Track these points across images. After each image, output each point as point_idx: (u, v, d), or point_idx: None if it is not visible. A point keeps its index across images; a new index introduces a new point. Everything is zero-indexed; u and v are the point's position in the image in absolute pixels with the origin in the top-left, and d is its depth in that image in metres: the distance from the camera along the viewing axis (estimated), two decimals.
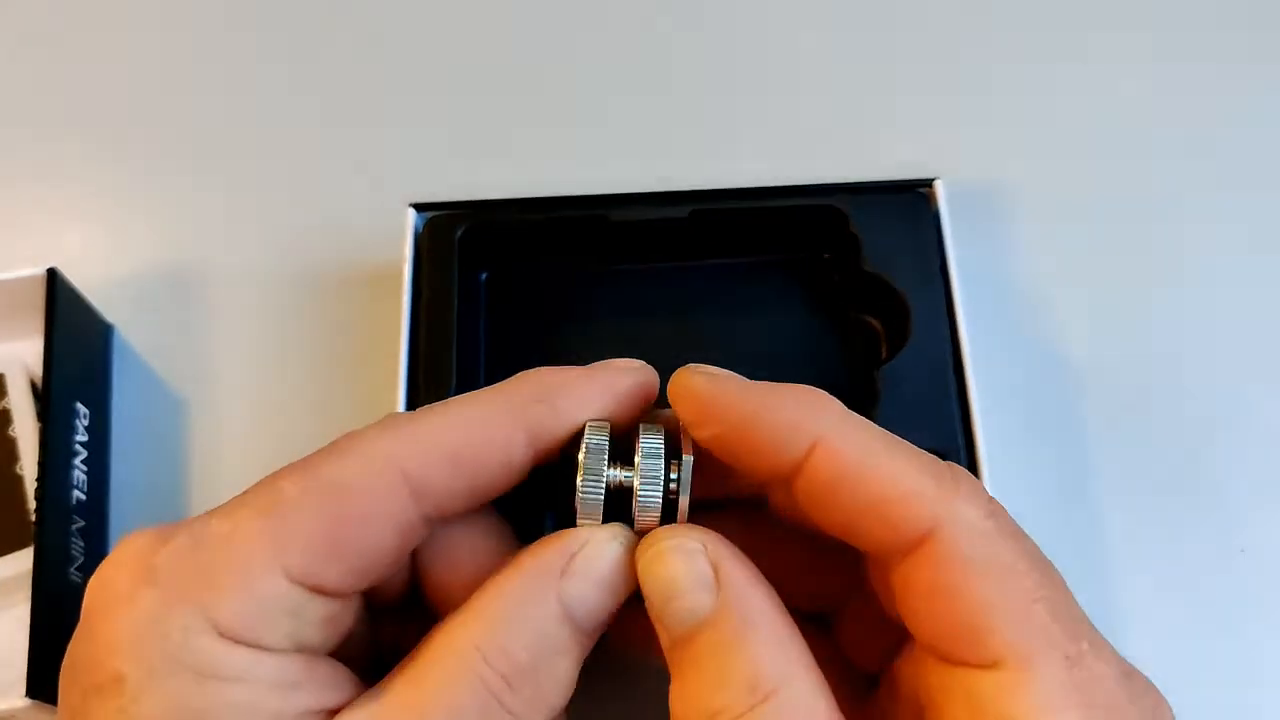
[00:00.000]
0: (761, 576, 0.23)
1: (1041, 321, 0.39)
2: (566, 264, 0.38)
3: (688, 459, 0.24)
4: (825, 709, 0.21)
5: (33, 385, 0.37)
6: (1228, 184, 0.41)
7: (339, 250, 0.40)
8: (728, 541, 0.23)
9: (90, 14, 0.45)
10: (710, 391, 0.23)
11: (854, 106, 0.43)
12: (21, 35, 0.45)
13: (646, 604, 0.23)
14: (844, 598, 0.27)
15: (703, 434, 0.23)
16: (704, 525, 0.24)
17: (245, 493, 0.22)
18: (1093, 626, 0.21)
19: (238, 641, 0.21)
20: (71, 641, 0.22)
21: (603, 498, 0.23)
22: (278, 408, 0.38)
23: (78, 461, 0.35)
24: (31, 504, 0.35)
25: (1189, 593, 0.35)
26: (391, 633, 0.26)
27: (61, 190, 0.43)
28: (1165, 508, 0.36)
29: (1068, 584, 0.22)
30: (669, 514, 0.24)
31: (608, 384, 0.25)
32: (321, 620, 0.22)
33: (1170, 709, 0.22)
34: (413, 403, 0.34)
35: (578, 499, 0.23)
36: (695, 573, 0.22)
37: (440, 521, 0.24)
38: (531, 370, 0.25)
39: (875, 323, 0.37)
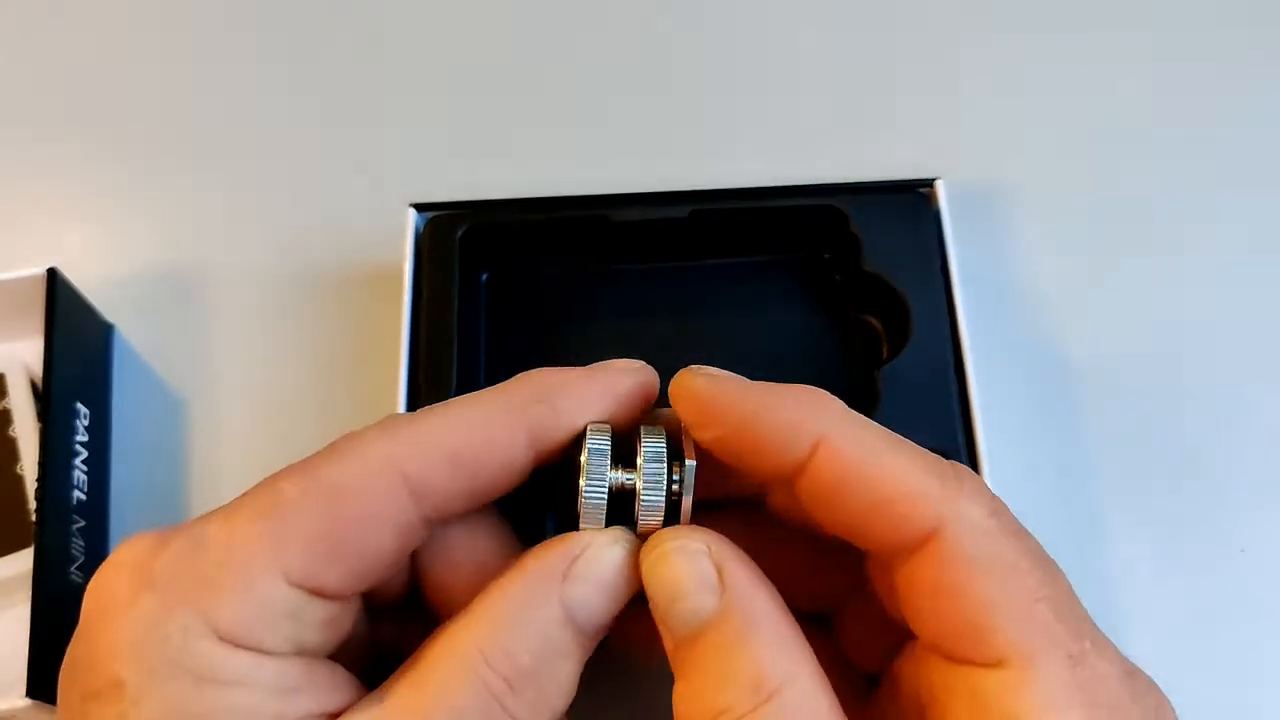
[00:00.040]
0: (764, 577, 0.23)
1: (1041, 321, 0.39)
2: (567, 264, 0.38)
3: (690, 462, 0.24)
4: (828, 708, 0.21)
5: (33, 385, 0.37)
6: (1228, 184, 0.41)
7: (339, 250, 0.40)
8: (731, 543, 0.23)
9: (90, 14, 0.45)
10: (712, 393, 0.23)
11: (854, 106, 0.43)
12: (21, 35, 0.45)
13: (651, 605, 0.23)
14: (844, 598, 0.27)
15: (705, 435, 0.23)
16: (704, 526, 0.24)
17: (244, 495, 0.22)
18: (1095, 626, 0.22)
19: (238, 645, 0.21)
20: (70, 646, 0.22)
21: (605, 501, 0.23)
22: (278, 408, 0.38)
23: (78, 461, 0.35)
24: (32, 504, 0.35)
25: (1189, 593, 0.35)
26: (391, 634, 0.26)
27: (61, 190, 0.43)
28: (1165, 508, 0.36)
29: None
30: (672, 515, 0.24)
31: (608, 385, 0.25)
32: (321, 622, 0.22)
33: (1172, 709, 0.22)
34: (413, 403, 0.34)
35: (581, 502, 0.23)
36: (699, 574, 0.22)
37: (440, 522, 0.24)
38: (532, 371, 0.25)
39: (875, 323, 0.37)
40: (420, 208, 0.37)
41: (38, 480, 0.33)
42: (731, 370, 0.24)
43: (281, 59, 0.45)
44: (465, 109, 0.43)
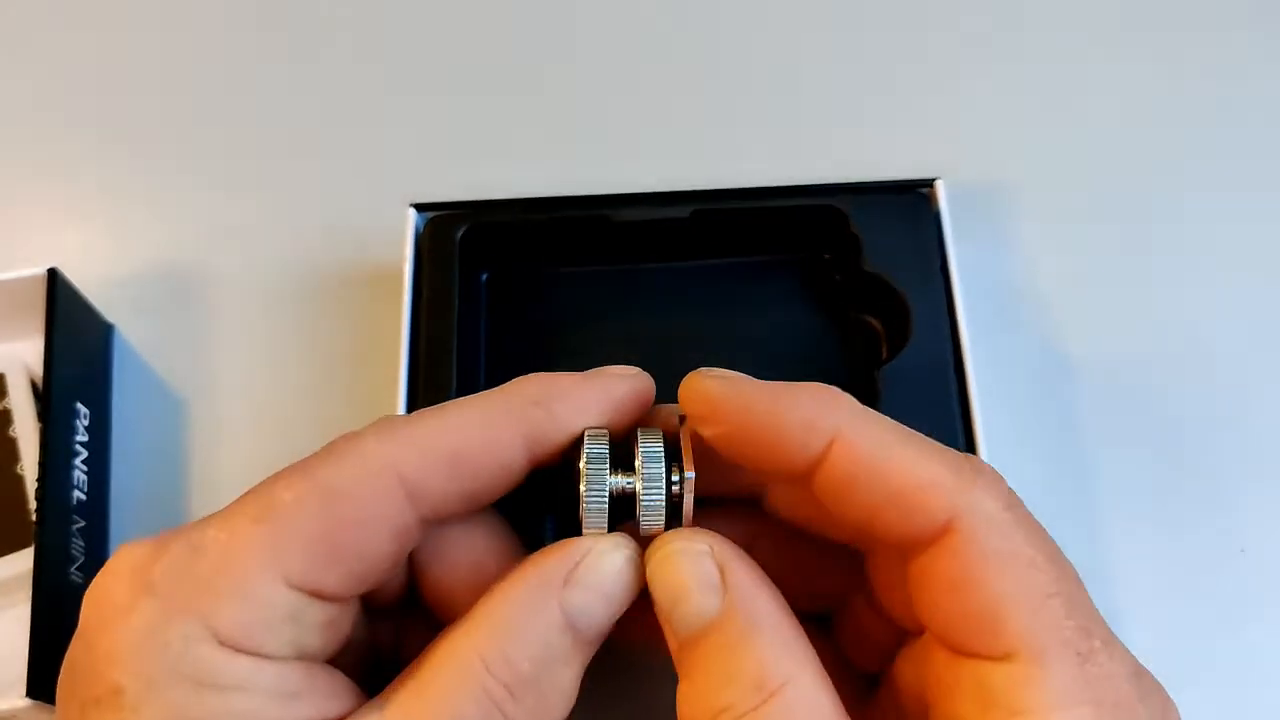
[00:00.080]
0: (766, 578, 0.23)
1: (1041, 321, 0.39)
2: (568, 264, 0.38)
3: (689, 474, 0.24)
4: (830, 706, 0.21)
5: (33, 385, 0.37)
6: (1228, 184, 0.41)
7: (339, 250, 0.40)
8: (733, 544, 0.23)
9: (90, 14, 0.45)
10: (725, 394, 0.23)
11: (854, 106, 0.43)
12: (22, 35, 0.45)
13: (655, 607, 0.23)
14: (844, 597, 0.27)
15: (718, 435, 0.23)
16: (702, 523, 0.24)
17: (241, 498, 0.22)
18: (1105, 624, 0.22)
19: (238, 650, 0.21)
20: (68, 653, 0.22)
21: (607, 505, 0.23)
22: (278, 408, 0.38)
23: (78, 461, 0.35)
24: (32, 504, 0.35)
25: (1189, 593, 0.35)
26: (389, 636, 0.26)
27: (61, 190, 0.43)
28: (1165, 507, 0.36)
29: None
30: (673, 517, 0.24)
31: (604, 390, 0.25)
32: (321, 625, 0.22)
33: (1177, 709, 0.22)
34: (413, 404, 0.34)
35: (582, 508, 0.23)
36: (702, 575, 0.22)
37: (437, 524, 0.24)
38: (529, 375, 0.25)
39: (875, 323, 0.37)
40: (420, 208, 0.37)
41: (38, 480, 0.33)
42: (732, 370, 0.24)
43: (281, 59, 0.45)
44: (465, 109, 0.43)
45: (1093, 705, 0.20)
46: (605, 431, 0.24)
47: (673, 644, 0.23)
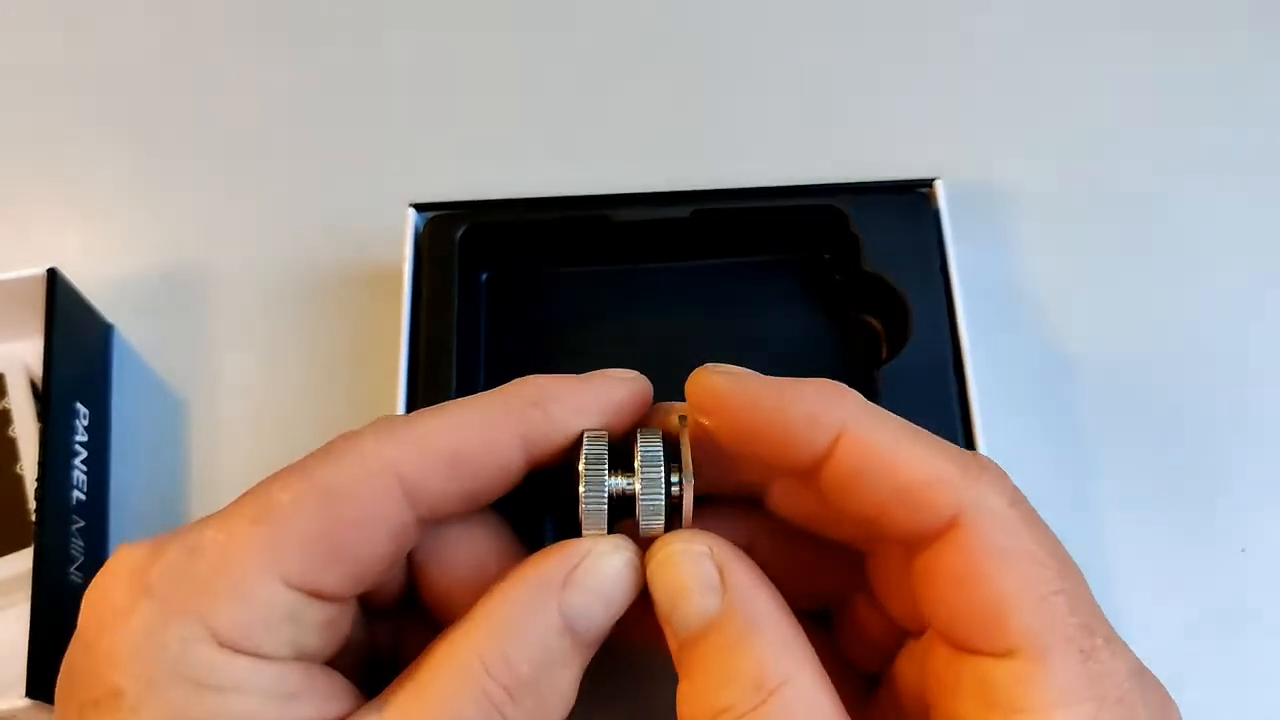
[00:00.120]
0: (766, 578, 0.23)
1: (1041, 321, 0.39)
2: (568, 264, 0.38)
3: (688, 463, 0.24)
4: (829, 705, 0.21)
5: (33, 385, 0.37)
6: (1228, 184, 0.41)
7: (339, 250, 0.40)
8: (732, 545, 0.23)
9: (90, 14, 0.45)
10: (731, 389, 0.23)
11: (854, 106, 0.43)
12: (22, 35, 0.45)
13: (655, 608, 0.23)
14: (844, 597, 0.27)
15: (725, 430, 0.24)
16: (702, 523, 0.24)
17: (239, 500, 0.22)
18: (1108, 623, 0.22)
19: (238, 650, 0.21)
20: (66, 656, 0.22)
21: (606, 506, 0.23)
22: (278, 408, 0.38)
23: (78, 461, 0.35)
24: (31, 504, 0.35)
25: (1189, 592, 0.35)
26: (388, 636, 0.26)
27: (61, 190, 0.43)
28: (1165, 507, 0.36)
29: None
30: (672, 518, 0.24)
31: (602, 392, 0.25)
32: (320, 625, 0.22)
33: (1177, 708, 0.22)
34: (412, 403, 0.34)
35: (581, 510, 0.23)
36: (701, 576, 0.22)
37: (435, 523, 0.24)
38: (527, 377, 0.25)
39: (875, 323, 0.37)
40: (420, 208, 0.37)
41: (37, 480, 0.33)
42: None
43: (281, 59, 0.45)
44: (465, 109, 0.43)
45: (1095, 703, 0.20)
46: (604, 433, 0.24)
47: (673, 645, 0.23)
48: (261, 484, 0.22)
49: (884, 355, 0.36)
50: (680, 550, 0.23)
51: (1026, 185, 0.41)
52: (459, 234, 0.36)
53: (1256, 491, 0.36)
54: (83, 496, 0.35)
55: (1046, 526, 0.22)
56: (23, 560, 0.34)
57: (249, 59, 0.45)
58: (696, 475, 0.24)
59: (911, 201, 0.37)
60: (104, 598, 0.21)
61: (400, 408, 0.34)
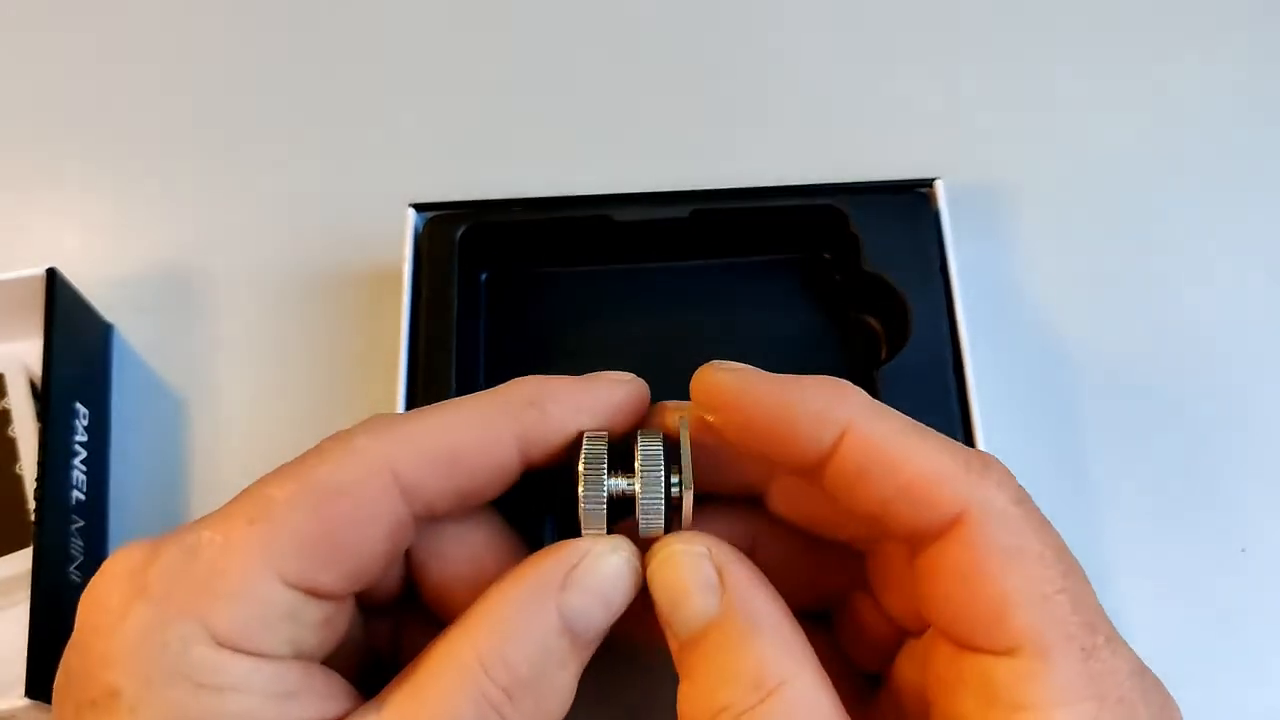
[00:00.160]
0: (765, 579, 0.23)
1: (1041, 321, 0.39)
2: (567, 264, 0.38)
3: (688, 464, 0.24)
4: (828, 705, 0.21)
5: (32, 385, 0.37)
6: (1228, 184, 0.41)
7: (339, 250, 0.40)
8: (731, 546, 0.23)
9: (90, 14, 0.45)
10: (737, 386, 0.23)
11: (854, 106, 0.43)
12: (21, 35, 0.45)
13: (655, 609, 0.23)
14: (843, 596, 0.27)
15: (730, 427, 0.24)
16: (703, 522, 0.24)
17: (235, 500, 0.22)
18: (1109, 621, 0.22)
19: (236, 650, 0.21)
20: (64, 657, 0.22)
21: (605, 507, 0.23)
22: (277, 408, 0.38)
23: (77, 461, 0.35)
24: (31, 504, 0.35)
25: (1189, 592, 0.35)
26: (386, 634, 0.26)
27: (61, 190, 0.43)
28: (1165, 507, 0.36)
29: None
30: (672, 518, 0.24)
31: (599, 394, 0.25)
32: (317, 623, 0.22)
33: (1178, 708, 0.22)
34: (412, 403, 0.34)
35: (581, 510, 0.23)
36: (701, 576, 0.23)
37: (432, 521, 0.24)
38: (524, 377, 0.25)
39: (875, 323, 0.37)
40: (420, 208, 0.37)
41: (37, 480, 0.33)
42: None
43: (281, 59, 0.45)
44: (465, 109, 0.43)
45: (1096, 701, 0.20)
46: (604, 433, 0.24)
47: (673, 645, 0.23)
48: (257, 483, 0.22)
49: (884, 355, 0.36)
50: (680, 551, 0.23)
51: (1026, 185, 0.41)
52: (459, 234, 0.36)
53: (1256, 491, 0.36)
54: (82, 496, 0.35)
55: (1050, 525, 0.22)
56: (22, 560, 0.34)
57: (249, 59, 0.45)
58: (697, 475, 0.24)
59: (911, 201, 0.37)
60: (101, 599, 0.21)
61: (400, 407, 0.34)
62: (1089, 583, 0.22)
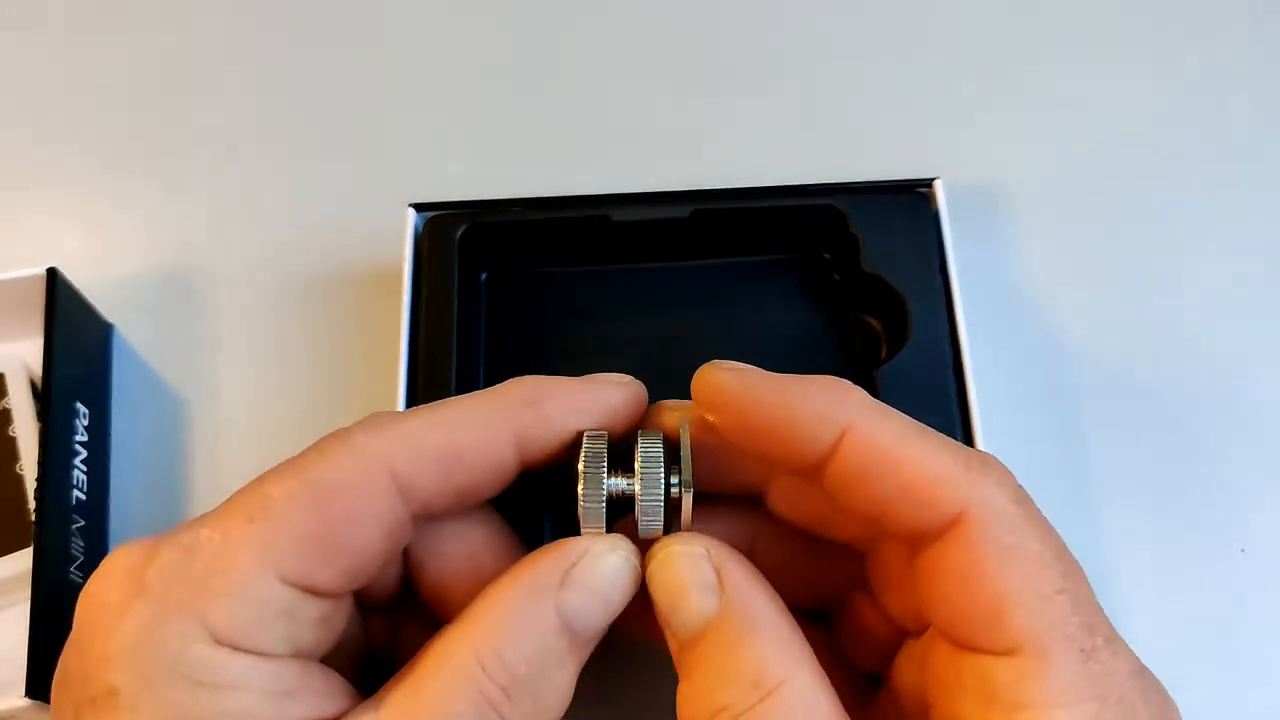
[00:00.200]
0: (763, 579, 0.23)
1: (1041, 321, 0.39)
2: (567, 264, 0.38)
3: (688, 465, 0.24)
4: (827, 703, 0.21)
5: (33, 385, 0.37)
6: (1228, 183, 0.41)
7: (339, 250, 0.40)
8: (729, 547, 0.23)
9: (90, 14, 0.45)
10: (738, 386, 0.23)
11: (854, 106, 0.43)
12: (21, 35, 0.45)
13: (655, 609, 0.23)
14: (843, 596, 0.27)
15: (730, 426, 0.24)
16: (703, 522, 0.24)
17: (233, 498, 0.22)
18: (1108, 622, 0.22)
19: (234, 648, 0.21)
20: (62, 656, 0.22)
21: (604, 506, 0.23)
22: (278, 408, 0.38)
23: (78, 461, 0.35)
24: (31, 504, 0.35)
25: (1189, 593, 0.35)
26: (384, 632, 0.26)
27: (61, 190, 0.43)
28: (1165, 507, 0.36)
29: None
30: (671, 518, 0.24)
31: (597, 395, 0.25)
32: (315, 621, 0.22)
33: (1177, 708, 0.22)
34: (412, 403, 0.34)
35: (580, 508, 0.23)
36: (700, 576, 0.23)
37: (430, 520, 0.24)
38: (522, 377, 0.25)
39: (875, 323, 0.37)
40: (420, 207, 0.37)
41: (37, 480, 0.33)
42: None
43: (281, 59, 0.45)
44: (465, 109, 0.43)
45: (1095, 701, 0.20)
46: (604, 433, 0.24)
47: (673, 645, 0.23)
48: (255, 482, 0.22)
49: (884, 355, 0.36)
50: (679, 552, 0.23)
51: (1026, 185, 0.41)
52: (459, 234, 0.36)
53: (1256, 491, 0.36)
54: (83, 496, 0.35)
55: (1050, 525, 0.22)
56: (23, 560, 0.34)
57: (249, 59, 0.45)
58: (697, 476, 0.24)
59: (911, 201, 0.37)
60: (99, 598, 0.21)
61: (400, 407, 0.34)
62: (1088, 583, 0.22)
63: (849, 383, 0.23)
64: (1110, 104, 0.42)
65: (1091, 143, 0.42)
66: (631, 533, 0.24)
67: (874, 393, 0.33)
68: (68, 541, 0.34)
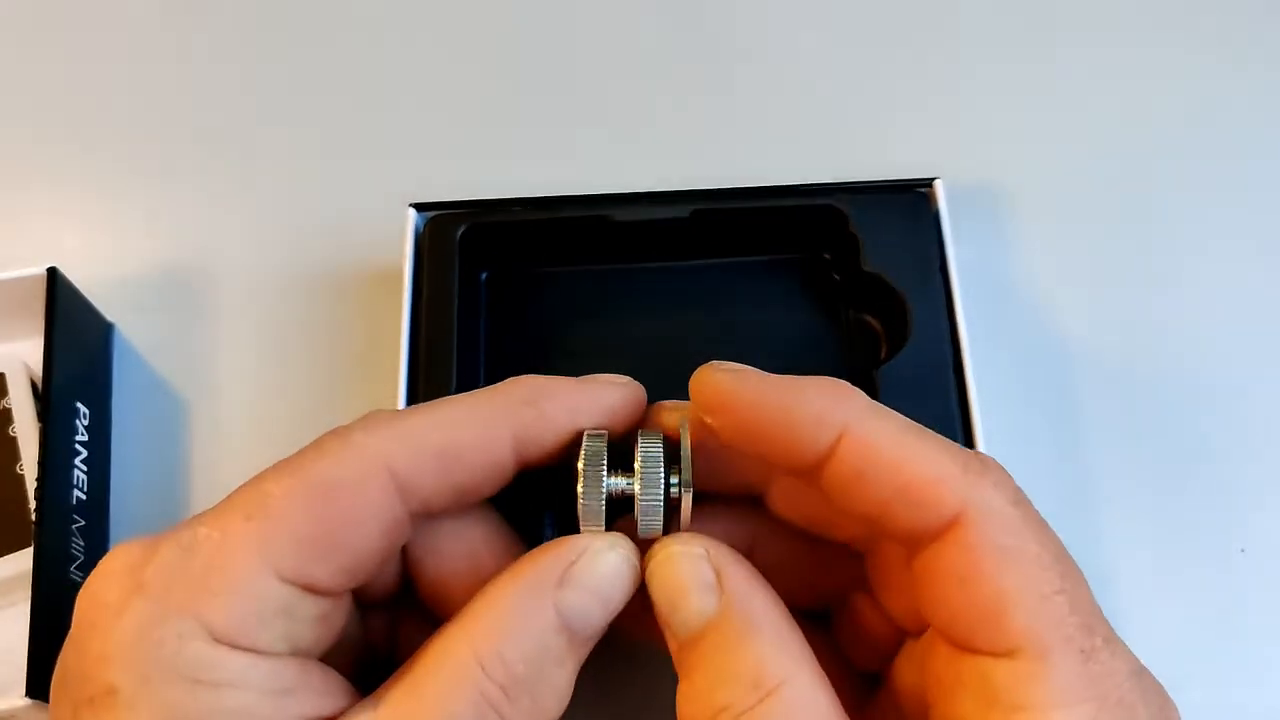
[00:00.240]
0: (763, 579, 0.23)
1: (1041, 321, 0.39)
2: (568, 264, 0.38)
3: (688, 465, 0.24)
4: (827, 704, 0.21)
5: (33, 385, 0.37)
6: (1228, 183, 0.41)
7: (340, 250, 0.40)
8: (729, 547, 0.23)
9: (91, 14, 0.45)
10: (736, 387, 0.23)
11: (854, 106, 0.43)
12: (22, 35, 0.45)
13: (655, 610, 0.23)
14: (843, 596, 0.27)
15: (728, 427, 0.24)
16: (703, 523, 0.24)
17: (231, 496, 0.22)
18: (1107, 623, 0.22)
19: (233, 646, 0.21)
20: (61, 655, 0.22)
21: (604, 504, 0.23)
22: (278, 408, 0.38)
23: (78, 461, 0.35)
24: (32, 503, 0.35)
25: (1189, 593, 0.35)
26: (383, 629, 0.26)
27: (62, 190, 0.43)
28: (1165, 507, 0.36)
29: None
30: (670, 518, 0.24)
31: (596, 396, 0.25)
32: (314, 619, 0.22)
33: (1177, 709, 0.22)
34: (412, 403, 0.34)
35: (579, 507, 0.23)
36: (699, 577, 0.23)
37: (429, 518, 0.24)
38: (521, 376, 0.25)
39: (875, 322, 0.37)
40: (420, 207, 0.37)
41: (38, 480, 0.33)
42: None
43: (281, 59, 0.45)
44: (465, 109, 0.43)
45: (1095, 702, 0.20)
46: (604, 432, 0.24)
47: (673, 645, 0.23)
48: (254, 480, 0.22)
49: (884, 355, 0.36)
50: (678, 552, 0.23)
51: (1026, 185, 0.41)
52: (459, 234, 0.36)
53: (1256, 491, 0.36)
54: (83, 496, 0.35)
55: (1048, 526, 0.22)
56: (23, 560, 0.34)
57: (249, 59, 0.45)
58: (697, 476, 0.24)
59: (911, 201, 0.37)
60: (98, 596, 0.21)
61: (400, 407, 0.34)
62: (1087, 584, 0.22)
63: (847, 384, 0.23)
64: (1110, 104, 0.42)
65: (1091, 143, 0.42)
66: (631, 533, 0.24)
67: (874, 392, 0.34)
68: (68, 541, 0.34)
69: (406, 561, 0.25)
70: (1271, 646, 0.34)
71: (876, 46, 0.44)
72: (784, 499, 0.26)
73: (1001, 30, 0.44)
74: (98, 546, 0.36)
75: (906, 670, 0.25)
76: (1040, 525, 0.22)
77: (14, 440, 0.36)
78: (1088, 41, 0.44)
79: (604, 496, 0.23)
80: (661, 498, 0.23)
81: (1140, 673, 0.22)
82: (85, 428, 0.36)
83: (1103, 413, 0.37)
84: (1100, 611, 0.22)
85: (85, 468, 0.36)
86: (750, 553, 0.24)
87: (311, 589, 0.22)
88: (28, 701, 0.31)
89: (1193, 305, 0.39)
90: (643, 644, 0.25)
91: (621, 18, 0.45)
